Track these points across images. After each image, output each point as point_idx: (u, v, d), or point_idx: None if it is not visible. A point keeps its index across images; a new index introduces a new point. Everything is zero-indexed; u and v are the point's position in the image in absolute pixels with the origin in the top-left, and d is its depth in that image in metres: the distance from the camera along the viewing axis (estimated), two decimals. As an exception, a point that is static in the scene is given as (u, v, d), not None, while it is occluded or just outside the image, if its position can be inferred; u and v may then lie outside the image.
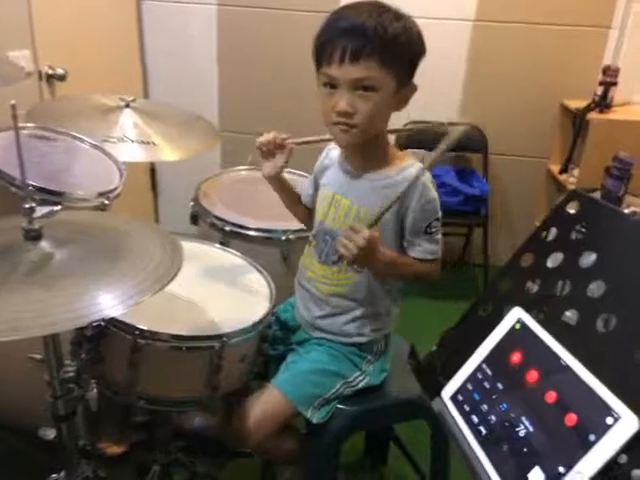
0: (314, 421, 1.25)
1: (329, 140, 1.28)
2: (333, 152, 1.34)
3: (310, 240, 1.36)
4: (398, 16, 1.11)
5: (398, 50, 1.09)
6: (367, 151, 1.22)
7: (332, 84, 1.11)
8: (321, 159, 1.36)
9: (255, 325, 1.22)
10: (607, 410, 0.65)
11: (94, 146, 1.60)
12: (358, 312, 1.29)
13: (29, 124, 1.49)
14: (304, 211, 1.44)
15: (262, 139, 1.29)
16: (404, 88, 1.15)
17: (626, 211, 0.86)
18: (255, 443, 1.26)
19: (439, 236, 1.23)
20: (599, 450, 0.64)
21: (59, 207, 0.96)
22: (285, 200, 1.43)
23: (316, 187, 1.38)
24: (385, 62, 1.08)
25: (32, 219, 0.91)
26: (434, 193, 1.20)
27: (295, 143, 1.29)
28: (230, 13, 2.79)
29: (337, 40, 1.08)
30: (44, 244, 0.93)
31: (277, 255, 1.63)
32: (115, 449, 1.56)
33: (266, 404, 1.25)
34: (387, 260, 1.18)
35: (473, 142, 2.82)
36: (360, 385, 1.32)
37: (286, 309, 1.46)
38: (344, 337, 1.31)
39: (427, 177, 1.20)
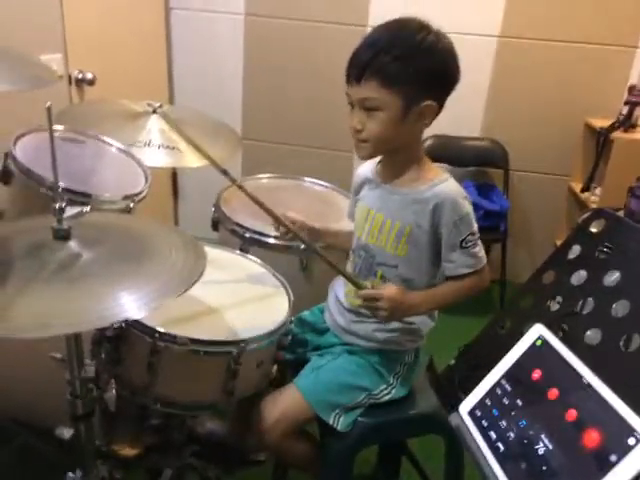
0: (339, 429, 1.26)
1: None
2: (362, 169, 1.35)
3: (350, 255, 1.37)
4: (418, 33, 1.12)
5: (401, 72, 1.10)
6: (397, 166, 1.24)
7: (350, 102, 1.18)
8: (357, 175, 1.38)
9: (273, 332, 1.23)
10: (629, 430, 0.64)
11: (121, 150, 1.63)
12: (392, 325, 1.29)
13: (59, 126, 1.52)
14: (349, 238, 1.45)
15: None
16: (416, 106, 1.15)
17: (651, 232, 0.86)
18: (272, 441, 1.27)
19: (477, 249, 1.22)
20: (620, 471, 0.63)
21: (88, 208, 0.98)
22: (338, 243, 1.46)
23: (356, 201, 1.39)
24: (387, 83, 1.11)
25: (62, 219, 0.93)
26: (466, 208, 1.20)
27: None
28: (257, 23, 2.83)
29: (351, 60, 1.14)
30: (72, 244, 0.95)
31: (296, 264, 1.63)
32: (128, 451, 1.56)
33: (286, 404, 1.26)
34: (423, 299, 1.23)
35: (494, 157, 2.82)
36: (384, 399, 1.31)
37: (313, 313, 1.47)
38: (376, 343, 1.31)
39: (458, 192, 1.21)
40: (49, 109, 0.88)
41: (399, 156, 1.23)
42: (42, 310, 0.81)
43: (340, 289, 1.38)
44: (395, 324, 1.29)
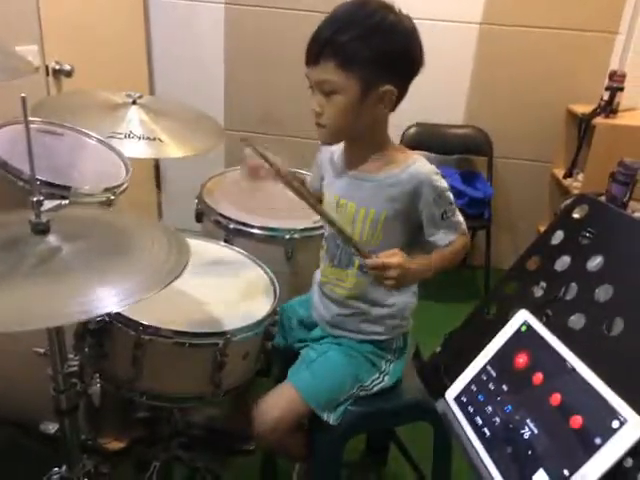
0: (331, 422, 1.26)
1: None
2: (331, 151, 1.33)
3: (322, 244, 1.36)
4: (376, 14, 1.09)
5: (358, 53, 1.08)
6: (363, 152, 1.22)
7: (311, 86, 1.15)
8: (321, 153, 1.36)
9: (259, 322, 1.23)
10: (613, 413, 0.65)
11: (100, 142, 1.61)
12: (375, 311, 1.29)
13: (36, 118, 1.50)
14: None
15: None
16: (374, 91, 1.12)
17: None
18: (270, 441, 1.27)
19: (457, 218, 1.22)
20: (604, 453, 0.64)
21: (67, 201, 0.96)
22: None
23: (321, 178, 1.37)
24: (343, 65, 1.08)
25: (40, 213, 0.91)
26: (441, 183, 1.19)
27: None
28: (238, 12, 2.79)
29: (309, 42, 1.11)
30: (51, 238, 0.93)
31: (281, 254, 1.63)
32: (116, 444, 1.56)
33: (285, 404, 1.25)
34: (425, 264, 1.20)
35: (478, 145, 2.82)
36: (375, 389, 1.31)
37: (301, 303, 1.46)
38: (363, 334, 1.31)
39: (432, 170, 1.20)
40: (24, 100, 0.86)
41: (363, 142, 1.20)
42: (22, 304, 0.80)
43: (318, 277, 1.38)
44: (377, 312, 1.29)
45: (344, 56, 1.08)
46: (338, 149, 1.30)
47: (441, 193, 1.18)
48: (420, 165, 1.20)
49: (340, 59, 1.08)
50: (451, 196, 1.21)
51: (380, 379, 1.32)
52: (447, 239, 1.22)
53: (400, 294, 1.30)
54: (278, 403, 1.25)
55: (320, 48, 1.09)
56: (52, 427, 1.40)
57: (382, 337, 1.31)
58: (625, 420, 0.64)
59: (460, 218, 1.24)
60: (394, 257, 1.12)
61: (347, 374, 1.28)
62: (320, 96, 1.13)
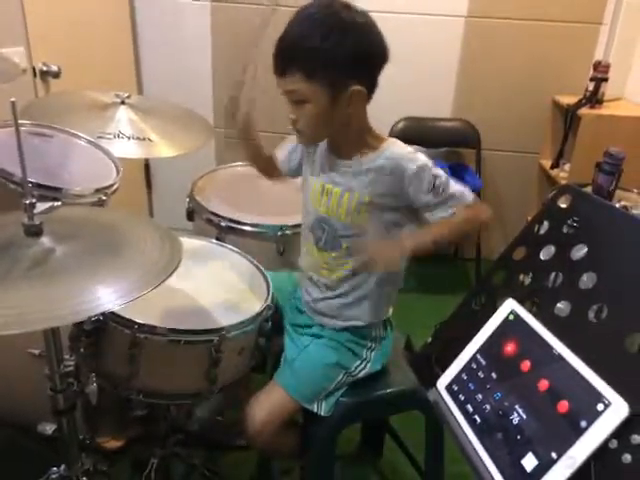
0: (322, 414, 1.27)
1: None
2: None
3: (303, 229, 1.37)
4: (329, 18, 1.10)
5: (320, 59, 1.09)
6: (344, 143, 1.24)
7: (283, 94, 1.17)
8: None
9: (253, 318, 1.24)
10: (598, 397, 0.67)
11: (90, 142, 1.61)
12: (356, 294, 1.30)
13: (25, 121, 1.49)
14: (276, 176, 1.47)
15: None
16: (343, 93, 1.13)
17: (617, 205, 0.88)
18: (261, 442, 1.28)
19: (451, 189, 1.19)
20: (590, 436, 0.66)
21: (59, 203, 0.97)
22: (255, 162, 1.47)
23: (300, 161, 1.39)
24: (306, 73, 1.10)
25: (33, 215, 0.92)
26: (419, 160, 1.18)
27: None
28: (224, 9, 2.79)
29: (274, 54, 1.14)
30: (44, 240, 0.94)
31: (273, 250, 1.64)
32: (113, 443, 1.57)
33: (271, 404, 1.26)
34: (411, 235, 1.21)
35: (466, 138, 2.84)
36: (361, 374, 1.34)
37: (290, 280, 1.49)
38: (342, 320, 1.33)
39: (407, 150, 1.21)
40: (14, 104, 0.87)
41: (345, 135, 1.22)
42: (18, 306, 0.80)
43: (303, 261, 1.39)
44: (357, 295, 1.30)
45: (305, 67, 1.09)
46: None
47: (421, 167, 1.18)
48: (394, 148, 1.22)
49: (303, 70, 1.10)
50: (437, 170, 1.19)
51: (363, 366, 1.34)
52: (442, 215, 1.19)
53: (381, 281, 1.31)
54: (264, 404, 1.27)
55: (283, 61, 1.11)
56: (49, 428, 1.40)
57: (359, 323, 1.32)
58: (609, 403, 0.66)
59: (456, 189, 1.20)
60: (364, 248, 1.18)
61: (329, 364, 1.30)
62: (292, 104, 1.16)
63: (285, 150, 1.43)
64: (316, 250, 1.33)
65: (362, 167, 1.22)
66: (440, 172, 1.20)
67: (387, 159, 1.20)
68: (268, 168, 1.47)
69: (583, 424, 0.67)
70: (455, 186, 1.21)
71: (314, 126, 1.18)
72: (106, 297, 0.87)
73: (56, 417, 1.12)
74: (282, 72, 1.12)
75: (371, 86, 1.17)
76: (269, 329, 1.33)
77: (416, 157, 1.20)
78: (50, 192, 1.29)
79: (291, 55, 1.10)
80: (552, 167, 2.69)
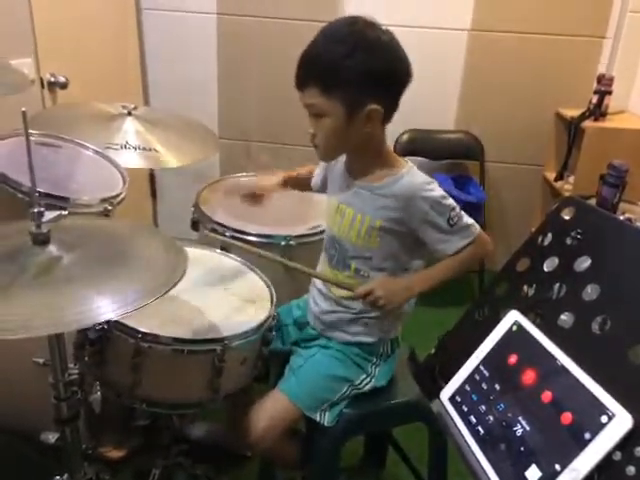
0: (326, 424, 1.27)
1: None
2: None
3: (324, 245, 1.39)
4: (353, 35, 1.10)
5: (339, 76, 1.10)
6: (362, 163, 1.25)
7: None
8: None
9: (256, 329, 1.24)
10: (601, 409, 0.67)
11: (97, 153, 1.62)
12: (367, 313, 1.31)
13: (34, 131, 1.51)
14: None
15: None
16: (360, 111, 1.13)
17: (621, 218, 0.88)
18: (263, 449, 1.29)
19: (464, 221, 1.22)
20: (594, 448, 0.66)
21: (66, 212, 0.98)
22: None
23: (324, 178, 1.41)
24: (325, 89, 1.11)
25: (40, 223, 0.93)
26: (435, 192, 1.20)
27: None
28: (230, 22, 2.82)
29: (296, 68, 1.15)
30: (52, 248, 0.95)
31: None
32: (116, 453, 1.57)
33: (274, 411, 1.27)
34: (416, 278, 1.26)
35: (469, 150, 2.85)
36: (366, 388, 1.34)
37: (299, 305, 1.49)
38: (350, 335, 1.33)
39: (423, 181, 1.22)
40: (24, 114, 0.88)
41: (362, 155, 1.23)
42: (23, 313, 0.81)
43: (320, 283, 1.39)
44: (369, 313, 1.30)
45: (324, 82, 1.11)
46: (343, 158, 1.32)
47: (435, 201, 1.20)
48: (410, 178, 1.21)
49: (321, 85, 1.11)
50: (451, 202, 1.22)
51: (368, 380, 1.34)
52: (457, 245, 1.22)
53: None
54: (266, 411, 1.27)
55: (303, 75, 1.13)
56: (52, 437, 1.40)
57: (368, 339, 1.33)
58: (613, 415, 0.66)
59: (470, 221, 1.24)
60: (374, 281, 1.24)
61: (334, 375, 1.30)
62: (311, 118, 1.17)
63: (318, 167, 1.47)
64: (328, 268, 1.34)
65: (376, 191, 1.23)
66: (454, 203, 1.22)
67: (402, 189, 1.20)
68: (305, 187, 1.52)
69: (587, 436, 0.67)
70: (466, 216, 1.24)
71: (330, 141, 1.18)
72: (110, 306, 0.88)
73: (59, 426, 1.12)
74: (301, 86, 1.14)
75: (391, 106, 1.17)
76: (272, 339, 1.33)
77: (431, 190, 1.20)
78: (57, 201, 1.30)
79: (310, 69, 1.12)
80: (556, 179, 2.69)
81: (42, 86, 2.09)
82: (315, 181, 1.46)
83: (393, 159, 1.27)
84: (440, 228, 1.21)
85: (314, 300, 1.40)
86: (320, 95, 1.12)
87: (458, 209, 1.22)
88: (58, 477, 1.19)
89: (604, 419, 0.66)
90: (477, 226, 1.25)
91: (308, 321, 1.42)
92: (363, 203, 1.25)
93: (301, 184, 1.51)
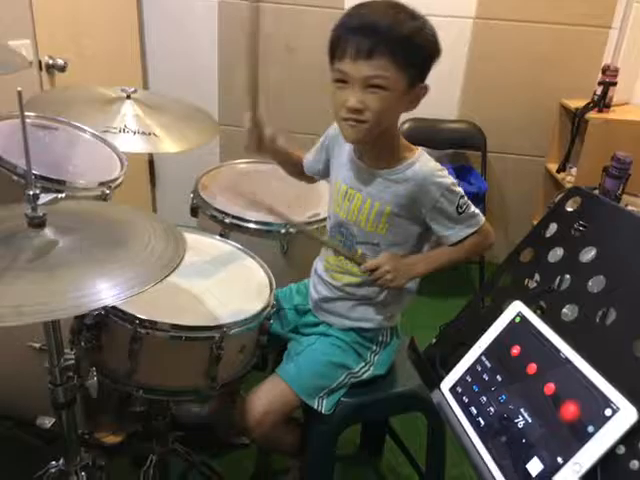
0: (323, 412, 1.27)
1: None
2: (335, 131, 1.32)
3: (327, 234, 1.38)
4: (414, 16, 1.10)
5: (411, 50, 1.09)
6: (378, 148, 1.23)
7: (344, 80, 1.12)
8: (331, 132, 1.35)
9: (255, 316, 1.23)
10: (606, 402, 0.66)
11: (95, 136, 1.60)
12: (368, 299, 1.31)
13: (30, 113, 1.49)
14: (306, 178, 1.47)
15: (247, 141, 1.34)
16: (415, 88, 1.14)
17: (625, 209, 0.87)
18: (260, 434, 1.28)
19: (472, 209, 1.23)
20: (597, 441, 0.65)
21: (63, 194, 0.96)
22: (285, 166, 1.46)
23: (326, 162, 1.38)
24: (397, 61, 1.08)
25: (36, 206, 0.91)
26: (445, 180, 1.20)
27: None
28: (231, 6, 2.78)
29: (351, 36, 1.08)
30: (47, 231, 0.93)
31: (277, 248, 1.63)
32: (112, 439, 1.56)
33: (272, 396, 1.27)
34: (421, 259, 1.26)
35: (472, 140, 2.83)
36: (365, 376, 1.33)
37: (299, 290, 1.48)
38: (349, 320, 1.33)
39: (435, 167, 1.21)
40: (20, 94, 0.86)
41: (380, 138, 1.20)
42: (18, 298, 0.80)
43: (320, 264, 1.39)
44: (369, 299, 1.30)
45: (398, 54, 1.07)
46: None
47: (447, 188, 1.19)
48: (422, 164, 1.21)
49: (394, 57, 1.07)
50: (460, 189, 1.22)
51: (366, 368, 1.34)
52: (462, 233, 1.23)
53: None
54: (264, 395, 1.27)
55: (374, 43, 1.07)
56: (48, 421, 1.40)
57: (368, 325, 1.33)
58: (618, 408, 0.65)
59: (477, 211, 1.24)
60: (382, 256, 1.24)
61: (333, 362, 1.30)
62: (361, 91, 1.10)
63: (313, 151, 1.43)
64: (333, 255, 1.33)
65: (388, 176, 1.22)
66: (462, 191, 1.22)
67: (414, 174, 1.20)
68: (296, 171, 1.47)
69: (590, 429, 0.66)
70: (472, 205, 1.24)
71: (382, 117, 1.13)
72: (107, 291, 0.86)
73: (56, 411, 1.11)
74: (368, 55, 1.07)
75: None
76: (271, 327, 1.32)
77: (442, 177, 1.20)
78: (54, 184, 1.28)
79: (385, 39, 1.07)
80: (558, 171, 2.68)
81: (40, 68, 2.06)
82: (312, 165, 1.42)
83: (405, 145, 1.26)
84: (448, 215, 1.21)
85: (315, 287, 1.39)
86: (391, 67, 1.08)
87: (466, 197, 1.22)
88: (54, 462, 1.18)
89: (608, 412, 0.65)
90: (482, 216, 1.25)
91: (309, 308, 1.41)
92: (373, 188, 1.24)
93: (288, 161, 1.44)
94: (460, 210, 1.21)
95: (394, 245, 1.26)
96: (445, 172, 1.21)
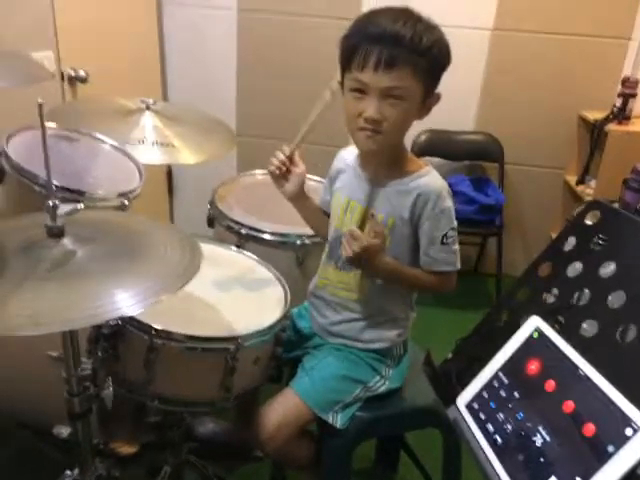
0: (338, 426, 1.26)
1: (317, 119, 1.29)
2: (346, 154, 1.34)
3: (325, 248, 1.37)
4: (430, 25, 1.11)
5: (430, 61, 1.09)
6: (385, 159, 1.23)
7: (361, 89, 1.11)
8: (335, 163, 1.36)
9: (270, 328, 1.23)
10: (626, 421, 0.64)
11: (115, 147, 1.62)
12: (376, 318, 1.30)
13: (52, 124, 1.52)
14: (326, 221, 1.41)
15: (276, 162, 1.29)
16: (430, 98, 1.15)
17: (646, 223, 0.86)
18: (273, 447, 1.26)
19: (456, 246, 1.22)
20: (617, 461, 0.64)
21: (82, 205, 0.97)
22: (310, 217, 1.43)
23: (332, 192, 1.38)
24: (417, 72, 1.09)
25: (55, 216, 0.93)
26: (449, 202, 1.20)
27: (297, 145, 1.29)
28: (250, 19, 2.82)
29: (371, 46, 1.07)
30: (66, 241, 0.94)
31: (292, 259, 1.63)
32: (127, 449, 1.56)
33: (286, 410, 1.25)
34: (389, 268, 1.21)
35: (489, 151, 2.82)
36: (380, 390, 1.32)
37: (300, 314, 1.46)
38: (362, 343, 1.31)
39: (442, 186, 1.21)
40: (40, 106, 0.87)
41: (388, 148, 1.20)
42: (36, 307, 0.80)
43: (317, 283, 1.38)
44: (378, 318, 1.29)
45: (418, 64, 1.08)
46: (354, 153, 1.30)
47: (445, 210, 1.19)
48: (432, 179, 1.20)
49: (414, 67, 1.08)
50: (455, 222, 1.21)
51: (382, 382, 1.32)
52: (440, 267, 1.21)
53: (400, 303, 1.31)
54: (278, 409, 1.26)
55: (397, 54, 1.06)
56: (65, 431, 1.40)
57: (382, 345, 1.31)
58: (639, 428, 0.63)
59: (457, 255, 1.22)
60: (371, 241, 1.15)
61: (347, 376, 1.28)
62: (380, 102, 1.10)
63: (323, 190, 1.42)
64: (333, 270, 1.32)
65: (394, 189, 1.21)
66: (456, 224, 1.21)
67: (418, 187, 1.19)
68: (318, 218, 1.43)
69: (610, 449, 0.65)
70: (458, 246, 1.22)
71: (401, 127, 1.15)
72: (124, 301, 0.87)
73: (71, 421, 1.12)
74: (389, 65, 1.07)
75: None
76: (287, 340, 1.32)
77: (447, 197, 1.19)
78: (74, 195, 1.30)
79: (406, 51, 1.07)
80: (577, 183, 2.65)
81: (62, 80, 2.10)
82: (326, 200, 1.40)
83: (412, 158, 1.26)
84: (433, 238, 1.20)
85: (319, 312, 1.37)
86: (411, 78, 1.08)
87: (456, 232, 1.21)
88: (69, 472, 1.19)
89: (629, 432, 0.64)
90: (459, 260, 1.22)
91: (315, 332, 1.40)
92: (376, 200, 1.23)
93: (311, 204, 1.42)
94: (445, 241, 1.19)
95: (394, 258, 1.24)
96: (450, 195, 1.21)
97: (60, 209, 0.93)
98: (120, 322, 1.17)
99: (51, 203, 0.91)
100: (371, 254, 1.16)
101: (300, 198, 1.37)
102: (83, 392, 1.08)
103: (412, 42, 1.06)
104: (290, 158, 1.30)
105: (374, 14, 1.12)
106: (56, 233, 0.94)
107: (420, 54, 1.07)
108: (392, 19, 1.09)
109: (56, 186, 1.25)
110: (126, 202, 1.41)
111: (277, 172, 1.29)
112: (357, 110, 1.12)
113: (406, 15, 1.10)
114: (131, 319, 1.15)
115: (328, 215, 1.39)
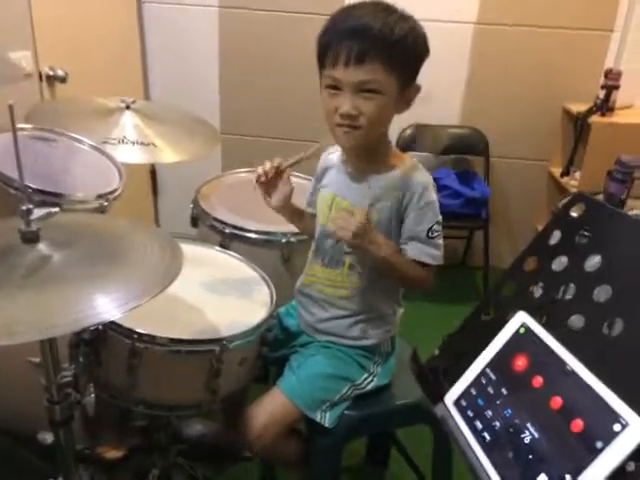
0: (326, 425, 1.25)
1: (318, 152, 1.28)
2: (331, 156, 1.33)
3: (312, 245, 1.35)
4: (404, 17, 1.09)
5: (403, 52, 1.08)
6: (369, 154, 1.21)
7: (335, 86, 1.11)
8: (321, 161, 1.35)
9: (255, 328, 1.21)
10: (614, 416, 0.64)
11: (94, 147, 1.60)
12: (364, 314, 1.29)
13: (28, 125, 1.48)
14: (312, 222, 1.39)
15: (260, 171, 1.25)
16: (407, 90, 1.14)
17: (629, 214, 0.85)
18: (261, 447, 1.26)
19: (441, 241, 1.21)
20: (606, 457, 0.63)
21: (57, 209, 0.95)
22: (295, 221, 1.41)
23: (318, 190, 1.36)
24: (390, 64, 1.07)
25: (29, 221, 0.90)
26: (434, 196, 1.19)
27: (289, 165, 1.26)
28: (232, 15, 2.79)
29: (341, 41, 1.07)
30: (42, 246, 0.92)
31: (278, 257, 1.62)
32: (114, 453, 1.54)
33: (273, 408, 1.25)
34: (387, 250, 1.17)
35: (474, 145, 2.82)
36: (369, 387, 1.31)
37: (288, 312, 1.44)
38: (350, 340, 1.30)
39: (427, 180, 1.20)
40: (11, 107, 0.85)
41: (372, 144, 1.19)
42: (11, 316, 0.78)
43: (304, 281, 1.36)
44: (365, 315, 1.28)
45: (389, 57, 1.07)
46: (338, 150, 1.29)
47: (431, 204, 1.18)
48: (417, 173, 1.20)
49: (386, 60, 1.07)
50: (439, 216, 1.20)
51: (370, 379, 1.32)
52: (424, 258, 1.19)
53: (387, 299, 1.30)
54: (265, 408, 1.25)
55: (364, 48, 1.06)
56: (49, 437, 1.38)
57: (370, 342, 1.31)
58: (627, 423, 0.62)
59: (442, 250, 1.21)
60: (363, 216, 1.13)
61: (335, 374, 1.27)
62: (354, 97, 1.09)
63: (310, 190, 1.41)
64: (320, 267, 1.31)
65: (379, 184, 1.20)
66: (441, 218, 1.20)
67: (404, 181, 1.18)
68: (307, 225, 1.40)
69: (599, 445, 0.64)
70: (442, 241, 1.21)
71: (378, 121, 1.13)
72: (105, 306, 0.84)
73: (53, 428, 1.10)
74: (359, 59, 1.06)
75: None
76: (273, 339, 1.30)
77: (432, 191, 1.19)
78: (51, 198, 1.27)
79: (375, 43, 1.05)
80: (562, 175, 2.66)
81: (40, 79, 2.06)
82: (312, 199, 1.39)
83: (396, 152, 1.25)
84: (417, 232, 1.19)
85: (306, 309, 1.36)
86: (383, 70, 1.07)
87: (441, 227, 1.20)
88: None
89: (617, 427, 0.63)
90: (441, 255, 1.21)
91: (302, 330, 1.39)
92: (360, 195, 1.22)
93: (297, 212, 1.40)
94: (431, 235, 1.18)
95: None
96: (435, 189, 1.20)
97: (34, 214, 0.90)
98: (101, 327, 1.14)
99: (25, 208, 0.89)
100: (370, 229, 1.14)
101: (283, 211, 1.34)
102: (64, 399, 1.06)
103: (381, 33, 1.05)
104: (279, 172, 1.26)
105: (347, 10, 1.11)
106: (31, 238, 0.91)
107: (391, 46, 1.06)
108: (363, 13, 1.08)
109: (32, 189, 1.23)
110: (105, 204, 1.39)
111: (261, 179, 1.26)
112: (333, 106, 1.11)
113: (377, 8, 1.09)
114: (112, 323, 1.13)
115: (314, 216, 1.38)
